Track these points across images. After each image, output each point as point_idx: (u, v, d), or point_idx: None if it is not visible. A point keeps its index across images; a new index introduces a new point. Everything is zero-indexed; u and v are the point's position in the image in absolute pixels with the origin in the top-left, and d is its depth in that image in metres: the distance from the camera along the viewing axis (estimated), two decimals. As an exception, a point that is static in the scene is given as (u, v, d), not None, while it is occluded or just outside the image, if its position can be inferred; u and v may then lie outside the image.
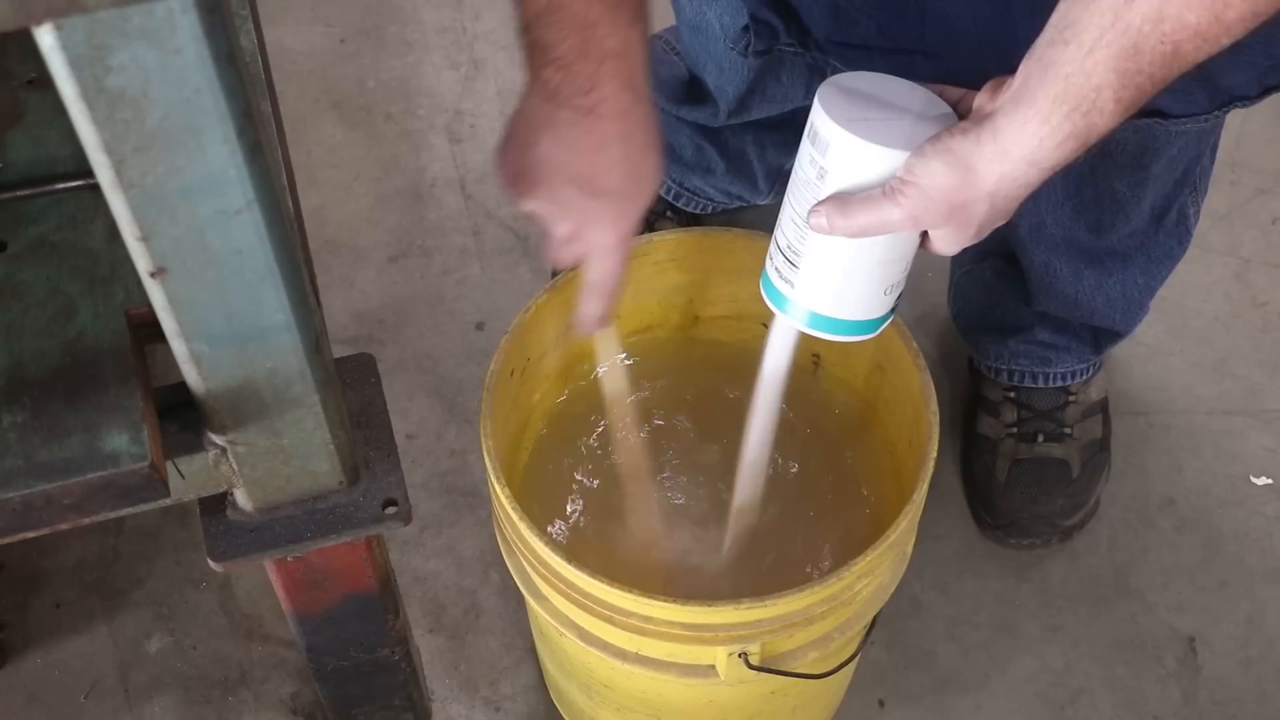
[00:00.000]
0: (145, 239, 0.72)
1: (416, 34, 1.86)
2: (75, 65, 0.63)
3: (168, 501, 0.88)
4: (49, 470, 0.82)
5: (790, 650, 1.04)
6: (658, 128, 0.95)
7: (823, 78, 1.34)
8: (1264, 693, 1.37)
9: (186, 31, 0.63)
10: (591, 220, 0.96)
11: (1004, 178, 0.83)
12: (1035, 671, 1.38)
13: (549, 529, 1.17)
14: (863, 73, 0.92)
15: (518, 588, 1.09)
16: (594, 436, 1.21)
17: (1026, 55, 0.81)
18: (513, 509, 1.00)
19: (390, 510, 0.96)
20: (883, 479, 1.19)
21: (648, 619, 0.99)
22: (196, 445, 0.88)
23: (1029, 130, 0.81)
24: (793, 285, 0.94)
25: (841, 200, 0.88)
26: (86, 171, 0.79)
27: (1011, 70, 0.83)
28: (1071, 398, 1.45)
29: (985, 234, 0.89)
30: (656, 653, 1.03)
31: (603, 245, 0.97)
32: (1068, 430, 1.44)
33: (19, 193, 0.94)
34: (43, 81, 0.98)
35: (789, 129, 1.50)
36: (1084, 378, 1.45)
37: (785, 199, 0.93)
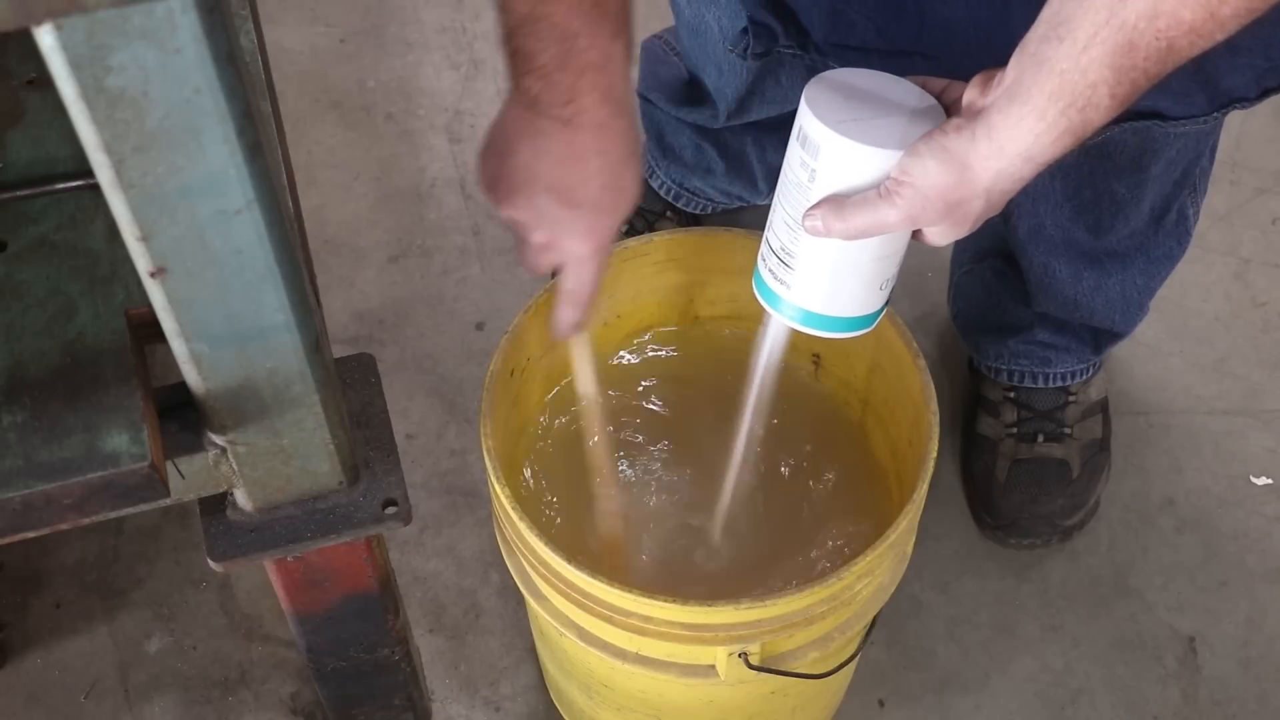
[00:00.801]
0: (145, 239, 0.72)
1: (416, 34, 1.86)
2: (75, 65, 0.63)
3: (168, 501, 0.88)
4: (49, 470, 0.82)
5: (790, 650, 1.04)
6: (637, 140, 0.95)
7: None
8: (1264, 693, 1.37)
9: (186, 31, 0.63)
10: (566, 230, 0.96)
11: (1000, 174, 0.83)
12: (1035, 671, 1.38)
13: (548, 528, 1.17)
14: (848, 69, 0.92)
15: (518, 588, 1.09)
16: (595, 435, 1.21)
17: (1018, 50, 0.81)
18: (513, 509, 1.00)
19: (390, 510, 0.96)
20: (883, 479, 1.19)
21: (648, 619, 0.99)
22: (196, 445, 0.88)
23: (1024, 127, 0.81)
24: (788, 286, 0.94)
25: (836, 203, 0.88)
26: (86, 171, 0.79)
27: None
28: (1071, 398, 1.45)
29: (978, 226, 0.89)
30: (656, 653, 1.03)
31: (577, 255, 0.98)
32: (1068, 430, 1.44)
33: (19, 193, 0.94)
34: (43, 81, 0.98)
35: (788, 129, 1.49)
36: (1084, 378, 1.45)
37: (775, 199, 0.93)
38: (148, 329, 0.86)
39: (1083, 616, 1.41)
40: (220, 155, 0.69)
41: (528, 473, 1.19)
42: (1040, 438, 1.44)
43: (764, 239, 0.96)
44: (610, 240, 0.98)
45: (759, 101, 1.35)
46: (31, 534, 0.85)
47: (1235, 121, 1.30)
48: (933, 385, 1.07)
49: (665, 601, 0.97)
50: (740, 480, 1.15)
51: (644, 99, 1.50)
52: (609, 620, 1.00)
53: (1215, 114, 1.06)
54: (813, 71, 1.23)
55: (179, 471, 0.89)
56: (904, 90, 0.90)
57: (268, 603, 1.40)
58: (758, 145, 1.48)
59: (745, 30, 1.11)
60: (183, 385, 0.85)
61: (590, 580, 0.97)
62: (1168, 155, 1.19)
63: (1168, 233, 1.30)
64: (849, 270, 0.92)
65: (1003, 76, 0.81)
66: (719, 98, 1.36)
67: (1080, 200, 1.24)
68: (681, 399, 1.24)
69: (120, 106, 0.65)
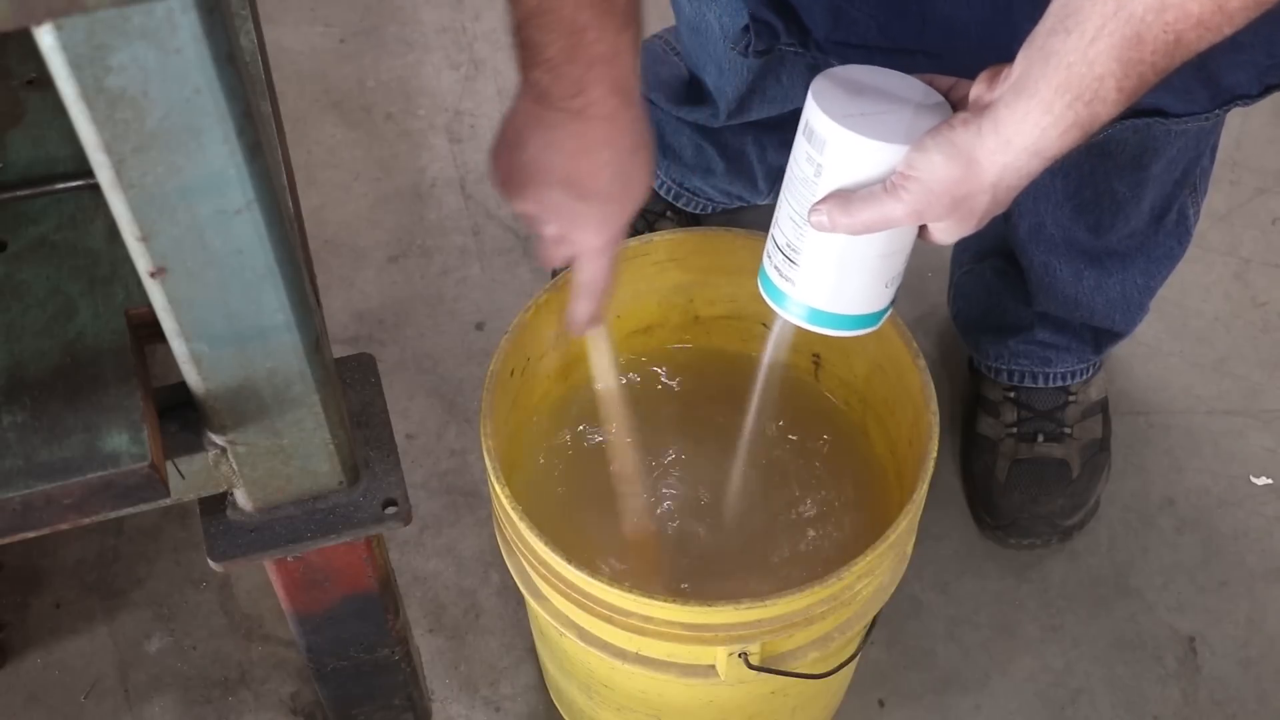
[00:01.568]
0: (145, 239, 0.72)
1: (416, 34, 1.86)
2: (75, 65, 0.63)
3: (168, 501, 0.88)
4: (49, 470, 0.82)
5: (790, 650, 1.04)
6: (648, 132, 0.95)
7: None
8: (1264, 693, 1.37)
9: (186, 31, 0.63)
10: (578, 223, 0.96)
11: (1007, 168, 0.83)
12: (1035, 671, 1.38)
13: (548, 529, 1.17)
14: (854, 65, 0.92)
15: (518, 588, 1.09)
16: (594, 436, 1.21)
17: (1025, 44, 0.81)
18: (513, 509, 1.00)
19: (390, 510, 0.96)
20: (883, 479, 1.19)
21: (648, 619, 0.99)
22: (196, 445, 0.88)
23: (1031, 120, 0.80)
24: (793, 283, 0.94)
25: (842, 197, 0.88)
26: (86, 171, 0.79)
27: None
28: (1071, 398, 1.45)
29: (984, 223, 0.89)
30: (656, 653, 1.03)
31: (590, 248, 0.98)
32: (1068, 430, 1.44)
33: (19, 193, 0.94)
34: (43, 81, 0.98)
35: (789, 129, 1.48)
36: (1084, 378, 1.45)
37: (781, 196, 0.93)
38: (148, 329, 0.86)
39: (1083, 616, 1.41)
40: (220, 155, 0.69)
41: (530, 475, 1.19)
42: (1040, 438, 1.44)
43: (769, 236, 0.95)
44: (622, 232, 0.98)
45: (759, 100, 1.35)
46: (31, 534, 0.85)
47: (1235, 121, 1.30)
48: (933, 385, 1.07)
49: (665, 601, 0.97)
50: (744, 480, 1.15)
51: (644, 99, 1.50)
52: (609, 620, 1.00)
53: (1217, 111, 1.06)
54: (814, 70, 1.23)
55: (179, 471, 0.89)
56: (910, 86, 0.90)
57: (268, 603, 1.40)
58: (758, 145, 1.48)
59: (747, 28, 1.11)
60: (183, 385, 0.85)
61: (590, 580, 0.97)
62: (1168, 154, 1.19)
63: (1168, 232, 1.30)
64: (855, 267, 0.92)
65: (1009, 71, 0.81)
66: (719, 96, 1.36)
67: (1081, 199, 1.24)
68: (681, 399, 1.24)
69: (120, 106, 0.65)
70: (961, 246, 1.49)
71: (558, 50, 0.88)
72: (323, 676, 1.16)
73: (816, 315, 0.94)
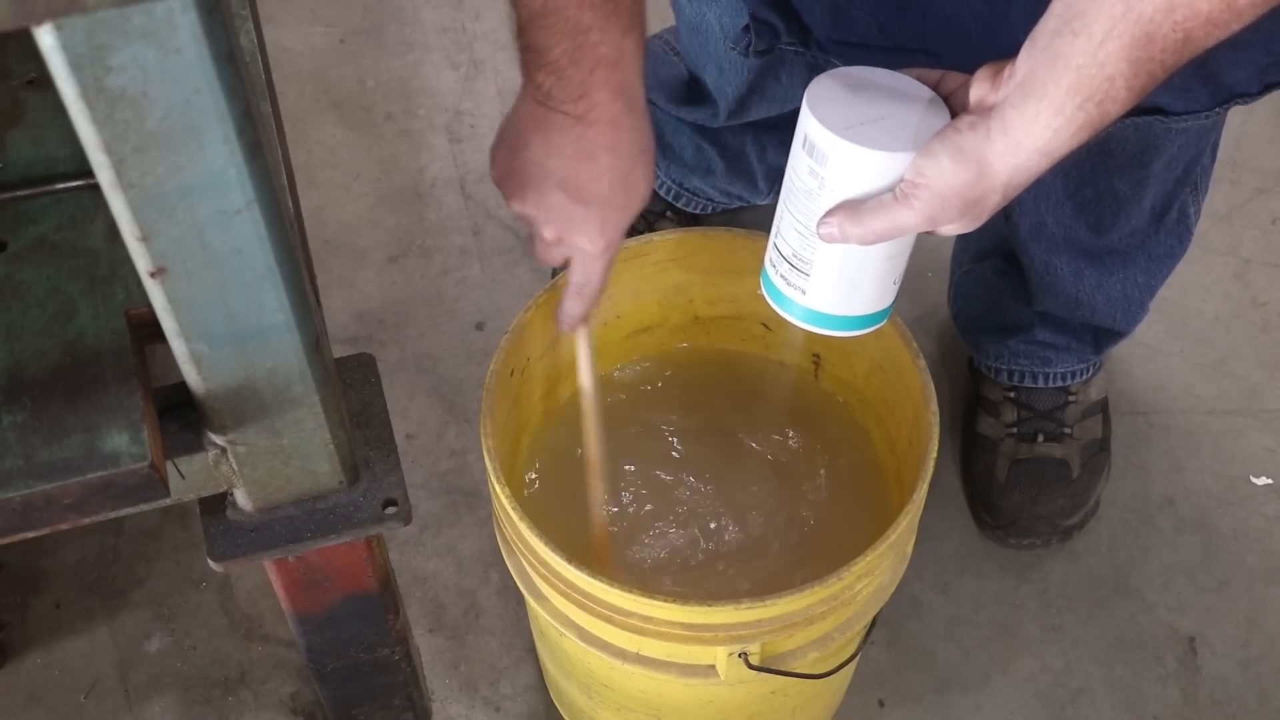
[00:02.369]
0: (145, 239, 0.72)
1: (416, 34, 1.86)
2: (75, 65, 0.63)
3: (168, 501, 0.88)
4: (49, 470, 0.82)
5: (790, 650, 1.04)
6: (649, 137, 0.95)
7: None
8: (1264, 693, 1.37)
9: (186, 31, 0.63)
10: (576, 227, 0.96)
11: (1018, 169, 0.82)
12: (1035, 671, 1.38)
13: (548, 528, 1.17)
14: (844, 69, 0.91)
15: (518, 588, 1.09)
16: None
17: (1028, 44, 0.80)
18: (513, 509, 1.00)
19: (390, 510, 0.96)
20: (883, 479, 1.19)
21: (648, 619, 0.99)
22: (196, 445, 0.88)
23: (1041, 122, 0.80)
24: (803, 292, 0.94)
25: (851, 208, 0.87)
26: (86, 171, 0.79)
27: None
28: (1071, 398, 1.45)
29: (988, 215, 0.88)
30: (656, 653, 1.03)
31: (587, 252, 0.98)
32: (1068, 430, 1.44)
33: (19, 193, 0.94)
34: (43, 81, 0.98)
35: (789, 129, 1.48)
36: (1084, 378, 1.45)
37: (781, 204, 0.92)
38: (148, 329, 0.86)
39: (1083, 616, 1.41)
40: (220, 155, 0.69)
41: (531, 475, 1.19)
42: (1040, 437, 1.44)
43: (771, 244, 0.95)
44: (620, 236, 0.98)
45: (759, 100, 1.35)
46: (31, 534, 0.85)
47: (1235, 121, 1.30)
48: (933, 385, 1.07)
49: (665, 601, 0.97)
50: (744, 481, 1.15)
51: (647, 103, 1.50)
52: (609, 620, 1.00)
53: (1216, 109, 1.06)
54: (814, 69, 1.23)
55: (179, 471, 0.89)
56: (904, 85, 0.89)
57: (268, 603, 1.40)
58: (758, 145, 1.48)
59: (747, 28, 1.11)
60: (183, 385, 0.85)
61: (590, 580, 0.97)
62: (1169, 152, 1.19)
63: (1169, 231, 1.30)
64: (865, 272, 0.92)
65: (1013, 70, 0.81)
66: (719, 96, 1.36)
67: (1082, 198, 1.24)
68: (681, 399, 1.24)
69: (120, 106, 0.65)
70: (962, 246, 1.48)
71: (561, 53, 0.88)
72: (323, 676, 1.16)
73: (826, 320, 0.95)
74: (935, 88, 0.89)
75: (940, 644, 1.40)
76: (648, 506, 1.19)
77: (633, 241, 1.15)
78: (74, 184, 0.94)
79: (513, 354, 1.10)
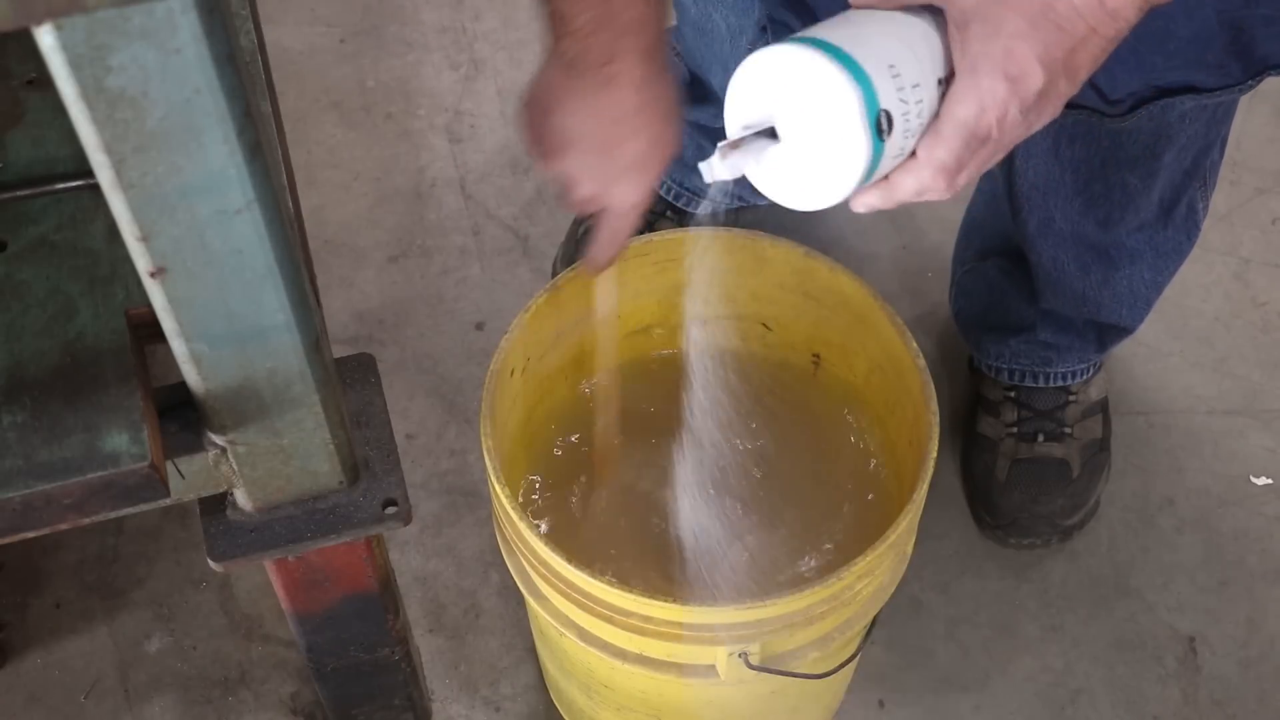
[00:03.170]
0: (145, 239, 0.72)
1: (416, 34, 1.86)
2: (75, 65, 0.63)
3: (168, 501, 0.88)
4: (49, 470, 0.82)
5: (790, 650, 1.04)
6: (676, 95, 0.98)
7: None
8: (1264, 693, 1.37)
9: (186, 31, 0.63)
10: (612, 185, 0.99)
11: None
12: (1035, 671, 1.38)
13: (547, 527, 1.17)
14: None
15: (518, 588, 1.09)
16: (594, 436, 1.21)
17: None
18: (513, 509, 1.00)
19: (390, 510, 0.96)
20: (883, 479, 1.19)
21: (648, 619, 0.99)
22: (196, 445, 0.88)
23: None
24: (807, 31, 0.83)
25: None
26: (86, 171, 0.79)
27: None
28: (1072, 397, 1.45)
29: (1017, 69, 0.79)
30: (656, 653, 1.03)
31: (620, 207, 1.01)
32: (1068, 430, 1.44)
33: (19, 193, 0.94)
34: (43, 81, 0.98)
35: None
36: (1084, 377, 1.45)
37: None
38: (148, 329, 0.86)
39: (1083, 616, 1.41)
40: (220, 155, 0.69)
41: (531, 475, 1.19)
42: (1040, 437, 1.44)
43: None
44: (653, 191, 1.02)
45: None
46: (31, 534, 0.85)
47: (1235, 121, 1.30)
48: (933, 385, 1.07)
49: (665, 601, 0.97)
50: (744, 481, 1.15)
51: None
52: (609, 620, 1.00)
53: (1249, 81, 1.06)
54: None
55: (179, 471, 0.89)
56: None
57: (268, 603, 1.40)
58: (758, 145, 1.48)
59: (764, 29, 1.12)
60: (183, 385, 0.85)
61: (590, 580, 0.97)
62: (1180, 141, 1.18)
63: (1177, 226, 1.30)
64: (870, 21, 0.82)
65: None
66: (724, 95, 1.36)
67: (1091, 193, 1.24)
68: (680, 399, 1.24)
69: (120, 106, 0.65)
70: (964, 244, 1.48)
71: (587, 20, 0.90)
72: (323, 676, 1.16)
73: (807, 41, 0.80)
74: None
75: (940, 644, 1.40)
76: (648, 506, 1.19)
77: (633, 241, 1.15)
78: (74, 184, 0.94)
79: (513, 354, 1.10)
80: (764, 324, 1.22)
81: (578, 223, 1.58)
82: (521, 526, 1.00)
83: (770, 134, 0.84)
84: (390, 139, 1.75)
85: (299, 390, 0.85)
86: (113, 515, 0.85)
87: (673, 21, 1.43)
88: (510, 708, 1.36)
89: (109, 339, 0.87)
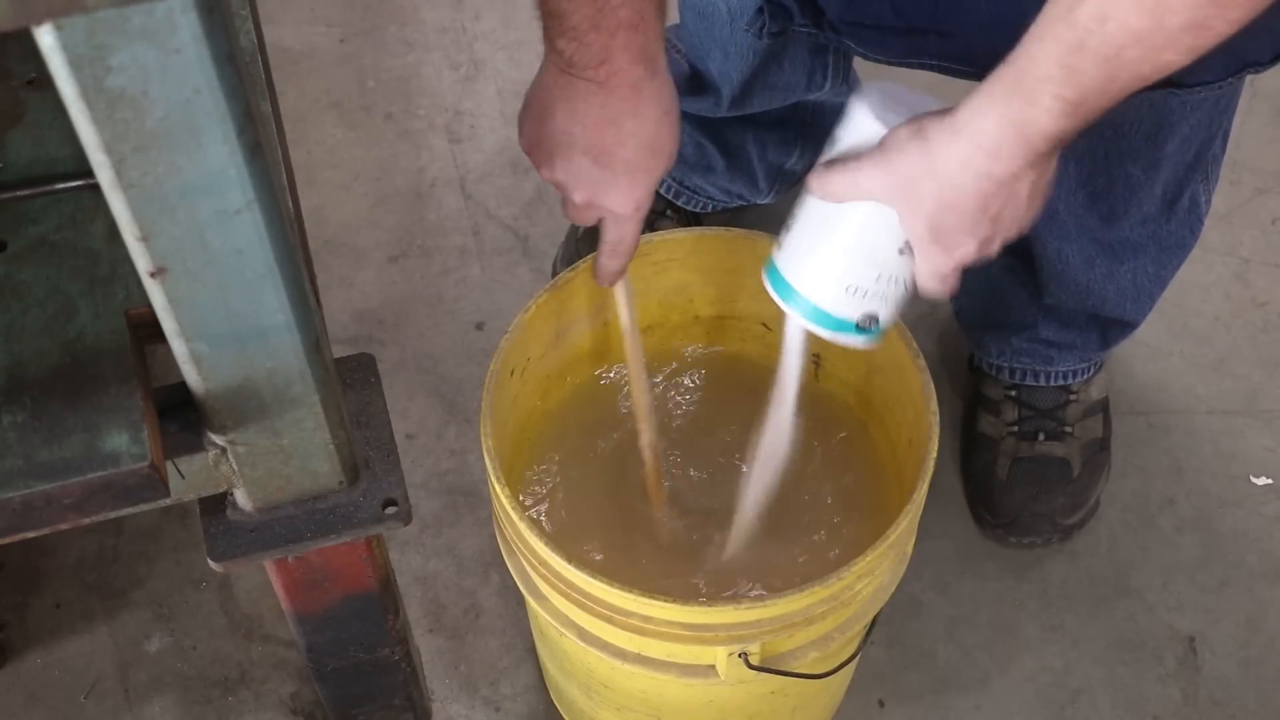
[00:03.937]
0: (145, 239, 0.72)
1: (416, 34, 1.86)
2: (75, 65, 0.63)
3: (168, 501, 0.88)
4: (49, 470, 0.82)
5: (790, 650, 1.04)
6: (673, 99, 0.97)
7: (825, 67, 1.34)
8: (1264, 693, 1.37)
9: (186, 31, 0.63)
10: (605, 191, 0.99)
11: (952, 157, 0.85)
12: (1035, 671, 1.38)
13: (546, 526, 1.17)
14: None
15: (518, 588, 1.09)
16: (594, 435, 1.21)
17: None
18: (513, 509, 1.00)
19: (390, 510, 0.96)
20: (883, 479, 1.19)
21: (648, 619, 0.99)
22: (196, 445, 0.88)
23: (974, 107, 0.84)
24: (779, 247, 0.98)
25: (829, 162, 0.93)
26: (86, 171, 0.79)
27: None
28: (1072, 397, 1.45)
29: (948, 243, 0.90)
30: (656, 653, 1.03)
31: (616, 214, 1.01)
32: (1068, 429, 1.44)
33: (19, 193, 0.94)
34: (43, 81, 0.98)
35: (789, 128, 1.50)
36: (1085, 377, 1.45)
37: None
38: (148, 329, 0.86)
39: (1083, 616, 1.41)
40: (220, 155, 0.69)
41: (531, 475, 1.19)
42: (1041, 436, 1.44)
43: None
44: (649, 196, 1.01)
45: (762, 88, 1.35)
46: (31, 534, 0.85)
47: (1236, 121, 1.30)
48: (933, 385, 1.07)
49: (665, 601, 0.97)
50: (744, 482, 1.15)
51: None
52: (609, 620, 1.00)
53: (1229, 79, 1.06)
54: (818, 54, 1.25)
55: (179, 471, 0.89)
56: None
57: (268, 603, 1.40)
58: (758, 143, 1.48)
59: (761, 10, 1.12)
60: (183, 385, 0.85)
61: (590, 580, 0.97)
62: (1182, 132, 1.18)
63: (1180, 220, 1.30)
64: (821, 247, 0.95)
65: None
66: (723, 82, 1.36)
67: (1094, 186, 1.24)
68: (680, 399, 1.24)
69: (120, 106, 0.65)
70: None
71: (582, 18, 0.89)
72: (323, 676, 1.16)
73: (779, 283, 0.98)
74: None
75: (940, 644, 1.40)
76: (647, 507, 1.19)
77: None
78: (74, 184, 0.94)
79: (513, 354, 1.10)
80: (764, 324, 1.22)
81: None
82: (521, 526, 1.00)
83: None
84: (390, 139, 1.75)
85: (299, 390, 0.85)
86: (113, 515, 0.85)
87: (672, 20, 1.43)
88: (510, 708, 1.36)
89: (109, 339, 0.87)
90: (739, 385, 1.23)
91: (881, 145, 0.89)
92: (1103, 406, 1.47)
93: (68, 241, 0.92)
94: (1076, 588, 1.43)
